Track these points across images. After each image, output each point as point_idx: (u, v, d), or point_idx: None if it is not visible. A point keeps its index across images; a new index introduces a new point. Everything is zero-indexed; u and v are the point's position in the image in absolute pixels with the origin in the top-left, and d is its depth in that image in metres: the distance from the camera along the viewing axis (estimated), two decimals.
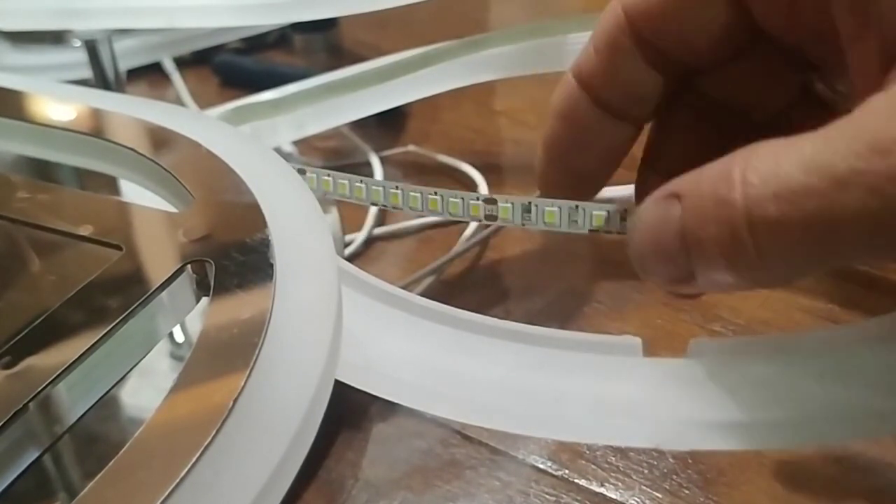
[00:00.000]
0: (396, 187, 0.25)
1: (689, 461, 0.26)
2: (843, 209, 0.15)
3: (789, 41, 0.20)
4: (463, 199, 0.24)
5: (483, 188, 0.40)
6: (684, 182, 0.18)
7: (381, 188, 0.25)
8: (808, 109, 0.22)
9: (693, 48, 0.21)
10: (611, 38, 0.21)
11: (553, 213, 0.22)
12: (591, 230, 0.22)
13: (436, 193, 0.24)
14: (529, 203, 0.23)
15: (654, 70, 0.21)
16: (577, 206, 0.22)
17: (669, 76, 0.21)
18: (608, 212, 0.22)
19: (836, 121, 0.16)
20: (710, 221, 0.17)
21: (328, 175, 0.27)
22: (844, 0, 0.17)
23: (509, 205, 0.23)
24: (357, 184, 0.26)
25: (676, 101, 0.22)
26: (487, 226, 0.37)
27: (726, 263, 0.17)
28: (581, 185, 0.24)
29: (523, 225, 0.23)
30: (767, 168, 0.16)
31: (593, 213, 0.22)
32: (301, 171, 0.27)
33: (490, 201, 0.23)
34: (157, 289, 0.22)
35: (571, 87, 0.22)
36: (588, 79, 0.22)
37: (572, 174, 0.23)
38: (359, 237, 0.38)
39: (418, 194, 0.25)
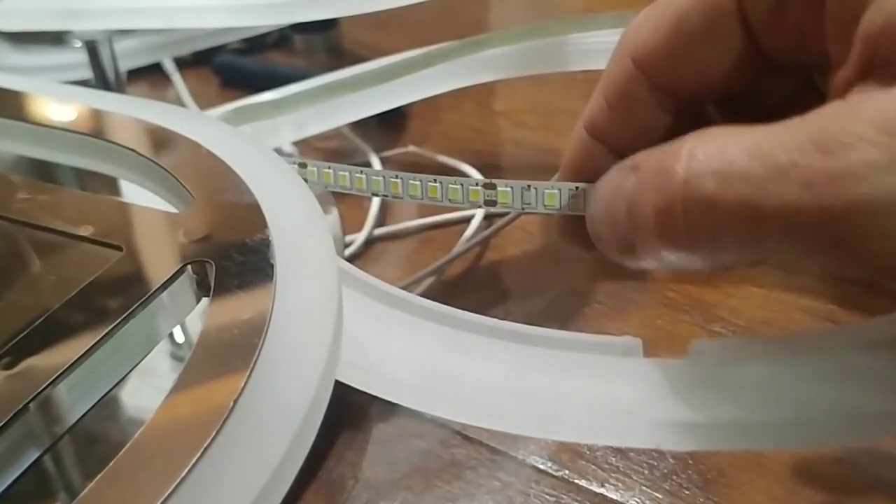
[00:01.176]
0: (396, 176, 0.25)
1: (690, 461, 0.26)
2: (774, 198, 0.15)
3: (795, 61, 0.20)
4: (462, 185, 0.24)
5: None
6: (643, 154, 0.18)
7: (381, 178, 0.25)
8: (811, 98, 0.22)
9: (707, 82, 0.20)
10: (623, 89, 0.21)
11: (553, 195, 0.22)
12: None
13: (435, 181, 0.24)
14: (529, 185, 0.23)
15: (667, 113, 0.21)
16: (577, 188, 0.22)
17: (682, 113, 0.21)
18: None
19: (793, 118, 0.16)
20: (651, 190, 0.17)
21: (329, 167, 0.27)
22: (835, 28, 0.17)
23: (508, 189, 0.23)
24: (357, 174, 0.26)
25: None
26: (488, 226, 0.37)
27: (658, 234, 0.17)
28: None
29: (523, 209, 0.23)
30: (714, 147, 0.16)
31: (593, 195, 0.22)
32: (302, 165, 0.28)
33: (489, 186, 0.23)
34: (158, 289, 0.22)
35: (584, 141, 0.22)
36: (602, 131, 0.22)
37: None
38: (359, 238, 0.38)
39: (418, 182, 0.25)
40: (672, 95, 0.21)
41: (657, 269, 0.20)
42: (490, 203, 0.23)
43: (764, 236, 0.16)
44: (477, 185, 0.24)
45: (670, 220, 0.17)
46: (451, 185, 0.24)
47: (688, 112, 0.21)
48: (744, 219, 0.16)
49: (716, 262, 0.18)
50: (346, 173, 0.26)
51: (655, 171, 0.17)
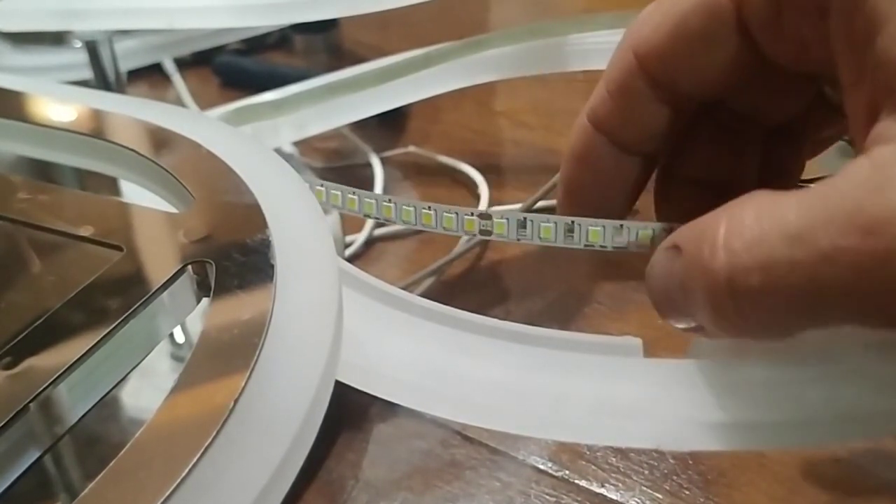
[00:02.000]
0: (389, 200, 0.25)
1: (690, 462, 0.26)
2: (827, 283, 0.15)
3: (800, 70, 0.20)
4: (457, 213, 0.24)
5: (483, 188, 0.40)
6: (683, 235, 0.18)
7: (373, 200, 0.25)
8: (823, 112, 0.22)
9: (705, 83, 0.21)
10: (624, 82, 0.21)
11: (549, 228, 0.22)
12: (586, 245, 0.23)
13: (429, 208, 0.24)
14: (525, 218, 0.23)
15: (667, 107, 0.21)
16: (572, 222, 0.22)
17: (683, 109, 0.22)
18: (603, 227, 0.22)
19: (820, 185, 0.15)
20: (698, 278, 0.17)
21: (321, 185, 0.27)
22: (843, 46, 0.17)
23: (504, 220, 0.23)
24: (350, 195, 0.26)
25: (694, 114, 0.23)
26: None
27: (713, 320, 0.17)
28: (602, 217, 0.24)
29: (518, 240, 0.23)
30: (750, 236, 0.16)
31: (589, 229, 0.22)
32: None
33: (485, 216, 0.23)
34: (158, 289, 0.22)
35: (587, 130, 0.22)
36: (604, 121, 0.22)
37: (592, 210, 0.23)
38: (359, 238, 0.38)
39: (412, 208, 0.24)
40: (671, 92, 0.21)
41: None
42: (485, 233, 0.23)
43: (825, 317, 0.16)
44: (472, 214, 0.24)
45: (722, 310, 0.17)
46: (445, 214, 0.24)
47: (690, 106, 0.22)
48: (800, 305, 0.16)
49: (780, 338, 0.18)
50: (339, 192, 0.26)
51: (697, 262, 0.17)
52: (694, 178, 0.23)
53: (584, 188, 0.23)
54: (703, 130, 0.23)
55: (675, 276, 0.18)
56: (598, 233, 0.22)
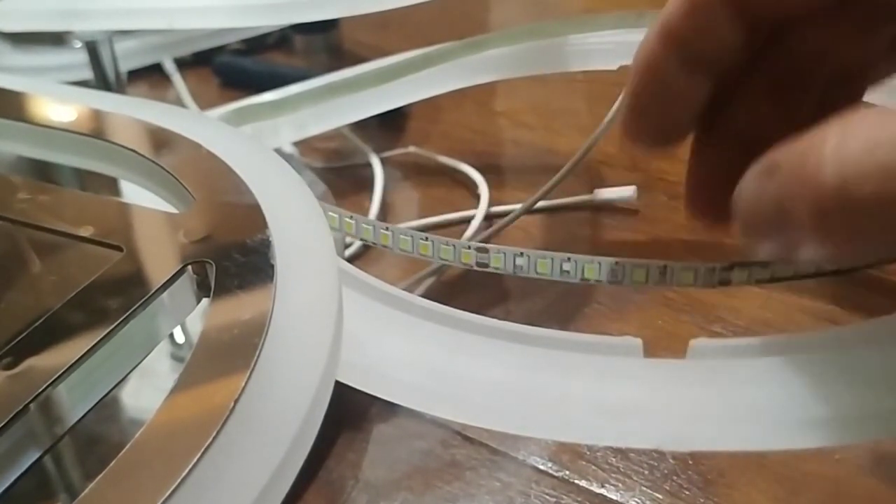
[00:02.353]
0: (387, 228, 0.25)
1: (690, 462, 0.26)
2: None
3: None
4: (455, 245, 0.24)
5: (483, 189, 0.40)
6: (781, 153, 0.17)
7: (371, 227, 0.25)
8: (891, 64, 0.22)
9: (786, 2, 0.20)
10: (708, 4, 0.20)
11: (545, 263, 0.23)
12: (581, 280, 0.23)
13: (426, 239, 0.24)
14: (521, 253, 0.23)
15: (742, 25, 0.20)
16: (568, 258, 0.22)
17: (758, 30, 0.21)
18: (599, 263, 0.22)
19: None
20: (800, 196, 0.16)
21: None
22: None
23: (501, 255, 0.23)
24: (347, 219, 0.26)
25: (752, 63, 0.22)
26: (488, 226, 0.37)
27: (817, 237, 0.16)
28: (663, 136, 0.23)
29: (515, 273, 0.23)
30: (866, 141, 0.15)
31: (585, 266, 0.22)
32: None
33: (482, 250, 0.23)
34: (158, 290, 0.22)
35: (657, 43, 0.21)
36: (676, 34, 0.21)
37: (655, 126, 0.23)
38: None
39: (409, 237, 0.25)
40: (749, 9, 0.20)
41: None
42: (482, 265, 0.24)
43: None
44: (469, 247, 0.24)
45: (828, 224, 0.16)
46: (443, 246, 0.24)
47: (763, 30, 0.21)
48: None
49: (883, 253, 0.17)
50: (336, 215, 0.26)
51: (800, 176, 0.16)
52: (740, 143, 0.22)
53: (647, 99, 0.22)
54: (757, 89, 0.22)
55: (769, 195, 0.17)
56: (593, 269, 0.22)
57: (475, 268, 0.24)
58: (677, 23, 0.21)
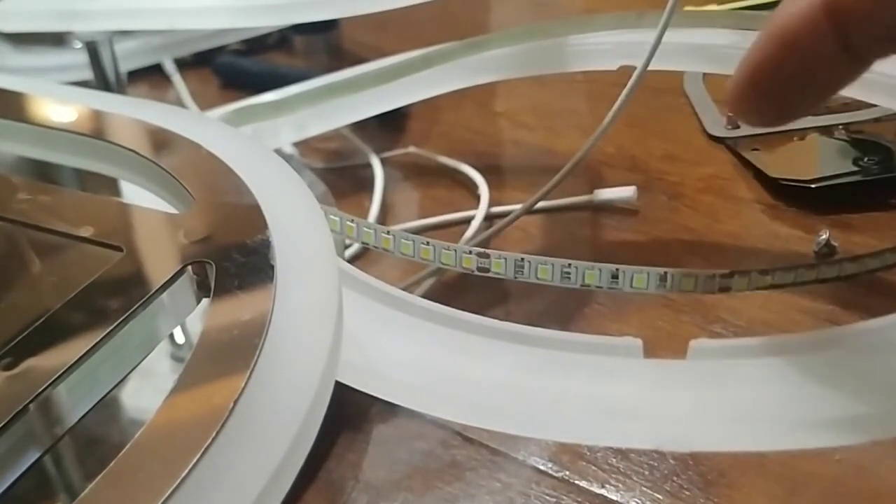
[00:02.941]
0: (388, 232, 0.25)
1: (690, 462, 0.26)
2: None
3: None
4: (456, 250, 0.24)
5: (484, 189, 0.40)
6: None
7: (372, 231, 0.25)
8: None
9: None
10: None
11: (546, 269, 0.23)
12: (582, 286, 0.23)
13: (427, 243, 0.24)
14: (522, 259, 0.23)
15: None
16: (569, 264, 0.22)
17: None
18: (600, 270, 0.22)
19: None
20: None
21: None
22: None
23: (502, 260, 0.23)
24: (348, 222, 0.26)
25: None
26: (488, 227, 0.37)
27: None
28: (783, 116, 0.20)
29: (515, 278, 0.23)
30: None
31: (585, 272, 0.23)
32: None
33: (483, 255, 0.24)
34: (158, 290, 0.22)
35: (816, 17, 0.18)
36: (848, 15, 0.17)
37: (778, 105, 0.20)
38: None
39: (410, 242, 0.25)
40: None
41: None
42: (483, 270, 0.24)
43: None
44: (470, 252, 0.24)
45: None
46: (444, 250, 0.24)
47: None
48: None
49: None
50: (337, 218, 0.26)
51: None
52: None
53: (780, 77, 0.19)
54: None
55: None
56: (594, 275, 0.23)
57: (476, 272, 0.24)
58: (851, 5, 0.17)
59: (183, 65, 0.55)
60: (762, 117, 0.20)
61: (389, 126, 0.47)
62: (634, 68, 0.32)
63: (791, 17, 0.18)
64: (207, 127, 0.31)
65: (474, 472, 0.26)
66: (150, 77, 0.54)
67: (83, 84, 0.41)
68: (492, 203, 0.39)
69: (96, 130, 0.30)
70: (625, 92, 0.32)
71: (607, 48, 0.37)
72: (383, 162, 0.44)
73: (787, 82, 0.19)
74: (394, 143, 0.45)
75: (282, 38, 0.60)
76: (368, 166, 0.43)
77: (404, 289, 0.27)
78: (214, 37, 0.54)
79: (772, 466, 0.25)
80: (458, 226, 0.39)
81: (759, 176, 0.39)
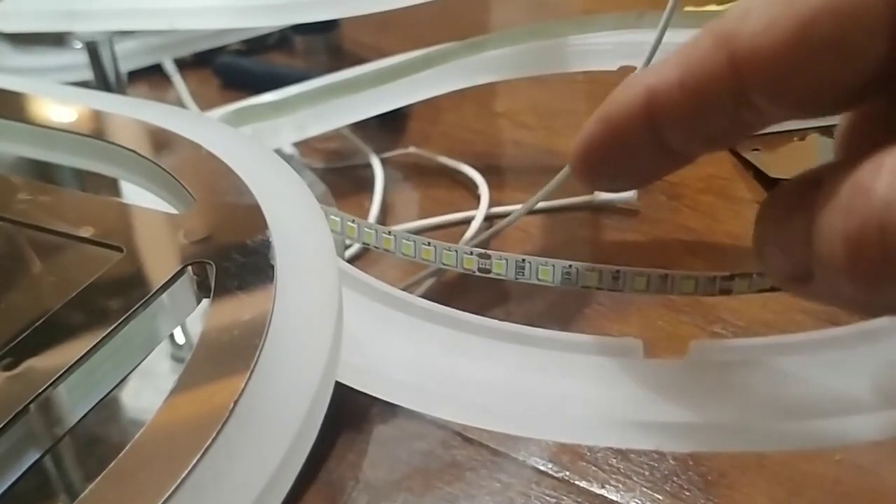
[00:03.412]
0: (389, 232, 0.25)
1: (690, 463, 0.26)
2: None
3: None
4: (457, 251, 0.24)
5: (484, 189, 0.40)
6: (824, 169, 0.16)
7: (373, 231, 0.25)
8: None
9: (825, 98, 0.16)
10: (707, 82, 0.17)
11: (547, 270, 0.23)
12: (583, 287, 0.23)
13: (429, 244, 0.24)
14: (523, 260, 0.23)
15: (754, 116, 0.17)
16: (570, 266, 0.22)
17: (777, 118, 0.17)
18: (601, 272, 0.22)
19: None
20: (839, 214, 0.15)
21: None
22: None
23: (503, 261, 0.23)
24: (349, 223, 0.26)
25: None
26: (489, 227, 0.37)
27: (846, 265, 0.15)
28: (613, 184, 0.21)
29: (516, 279, 0.23)
30: None
31: (586, 274, 0.23)
32: None
33: (484, 256, 0.24)
34: (158, 290, 0.22)
35: (636, 105, 0.18)
36: (662, 112, 0.18)
37: (607, 180, 0.20)
38: None
39: (411, 242, 0.25)
40: (770, 102, 0.16)
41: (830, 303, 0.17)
42: (484, 271, 0.24)
43: None
44: (471, 253, 0.24)
45: (863, 248, 0.14)
46: (445, 251, 0.24)
47: (790, 115, 0.17)
48: None
49: None
50: (338, 219, 0.26)
51: (846, 192, 0.15)
52: None
53: (607, 157, 0.19)
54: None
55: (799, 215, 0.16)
56: (594, 277, 0.23)
57: (477, 273, 0.24)
58: (668, 102, 0.17)
59: (183, 65, 0.55)
60: (594, 186, 0.21)
61: (389, 126, 0.47)
62: (634, 68, 0.32)
63: (618, 97, 0.18)
64: (207, 127, 0.31)
65: (474, 472, 0.26)
66: (150, 77, 0.54)
67: (83, 84, 0.41)
68: (492, 203, 0.39)
69: (96, 130, 0.30)
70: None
71: (607, 48, 0.37)
72: (383, 162, 0.44)
73: (612, 163, 0.19)
74: (394, 144, 0.45)
75: (282, 38, 0.60)
76: (368, 166, 0.43)
77: (404, 289, 0.27)
78: (214, 37, 0.54)
79: (772, 466, 0.25)
80: (458, 226, 0.39)
81: (759, 176, 0.39)
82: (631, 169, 0.20)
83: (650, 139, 0.18)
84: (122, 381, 0.22)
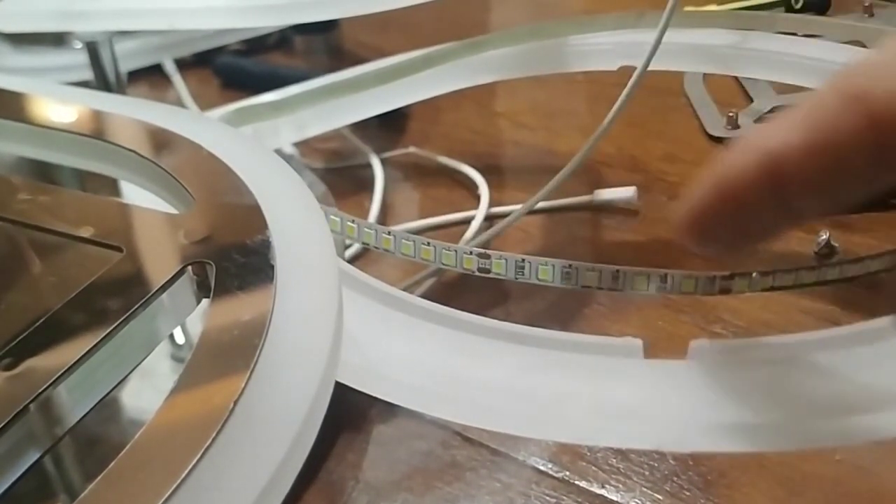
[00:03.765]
0: (389, 232, 0.25)
1: (690, 463, 0.26)
2: None
3: None
4: (456, 251, 0.24)
5: (484, 189, 0.40)
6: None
7: (373, 231, 0.25)
8: None
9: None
10: (842, 144, 0.16)
11: (546, 270, 0.23)
12: (583, 286, 0.23)
13: (428, 244, 0.24)
14: (523, 260, 0.23)
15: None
16: (570, 265, 0.22)
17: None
18: (600, 271, 0.22)
19: None
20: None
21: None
22: None
23: (503, 260, 0.23)
24: (349, 223, 0.26)
25: None
26: (489, 227, 0.37)
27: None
28: (726, 246, 0.19)
29: (516, 279, 0.23)
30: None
31: (586, 273, 0.23)
32: None
33: (484, 255, 0.24)
34: (158, 290, 0.22)
35: (755, 171, 0.17)
36: (788, 177, 0.17)
37: (720, 240, 0.19)
38: None
39: (411, 242, 0.25)
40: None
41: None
42: (483, 271, 0.24)
43: None
44: (471, 253, 0.24)
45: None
46: (445, 251, 0.24)
47: None
48: None
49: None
50: (338, 219, 0.26)
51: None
52: None
53: (722, 222, 0.18)
54: None
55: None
56: (594, 277, 0.23)
57: (477, 273, 0.24)
58: (794, 167, 0.16)
59: (183, 65, 0.55)
60: (705, 251, 0.19)
61: (389, 126, 0.47)
62: (634, 68, 0.32)
63: (733, 170, 0.17)
64: (207, 127, 0.31)
65: (474, 472, 0.26)
66: (150, 77, 0.54)
67: (83, 84, 0.41)
68: (492, 203, 0.39)
69: (96, 131, 0.30)
70: (625, 92, 0.32)
71: (607, 48, 0.37)
72: (383, 162, 0.44)
73: (728, 227, 0.18)
74: (394, 144, 0.45)
75: (282, 38, 0.60)
76: (368, 166, 0.43)
77: (404, 289, 0.27)
78: (214, 37, 0.54)
79: (772, 466, 0.25)
80: (458, 226, 0.39)
81: None
82: (749, 231, 0.18)
83: (773, 204, 0.17)
84: (122, 381, 0.22)
